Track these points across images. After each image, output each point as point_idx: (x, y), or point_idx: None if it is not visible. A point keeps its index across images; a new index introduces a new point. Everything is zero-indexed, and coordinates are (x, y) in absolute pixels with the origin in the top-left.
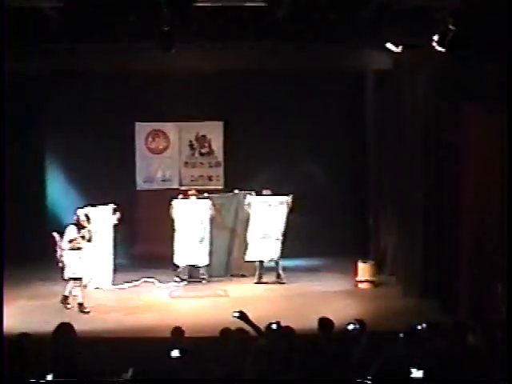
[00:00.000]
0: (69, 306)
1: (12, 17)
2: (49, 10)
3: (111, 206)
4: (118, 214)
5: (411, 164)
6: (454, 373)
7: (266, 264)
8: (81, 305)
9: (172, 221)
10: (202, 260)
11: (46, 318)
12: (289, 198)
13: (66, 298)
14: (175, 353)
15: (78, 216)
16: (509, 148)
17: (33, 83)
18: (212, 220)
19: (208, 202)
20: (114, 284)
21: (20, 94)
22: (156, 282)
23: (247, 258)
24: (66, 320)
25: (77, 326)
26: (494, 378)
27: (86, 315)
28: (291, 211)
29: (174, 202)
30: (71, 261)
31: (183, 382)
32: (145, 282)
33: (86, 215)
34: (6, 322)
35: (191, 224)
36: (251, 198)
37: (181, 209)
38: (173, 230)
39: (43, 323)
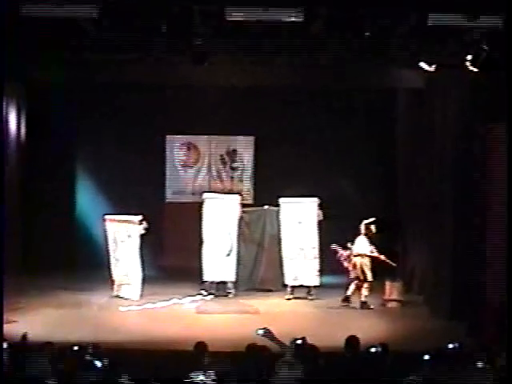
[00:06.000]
0: (351, 304)
1: (48, 27)
2: (83, 21)
3: (138, 217)
4: (144, 224)
5: (441, 184)
6: None
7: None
8: (364, 303)
9: (200, 229)
10: (230, 275)
11: (70, 326)
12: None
13: (347, 297)
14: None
15: (368, 226)
16: (508, 151)
17: (64, 94)
18: (240, 233)
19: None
20: (141, 297)
21: (50, 105)
22: (183, 299)
23: (286, 282)
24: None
25: (101, 337)
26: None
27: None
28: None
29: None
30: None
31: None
32: (173, 297)
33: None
34: (32, 330)
35: (220, 228)
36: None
37: (211, 208)
38: (200, 242)
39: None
